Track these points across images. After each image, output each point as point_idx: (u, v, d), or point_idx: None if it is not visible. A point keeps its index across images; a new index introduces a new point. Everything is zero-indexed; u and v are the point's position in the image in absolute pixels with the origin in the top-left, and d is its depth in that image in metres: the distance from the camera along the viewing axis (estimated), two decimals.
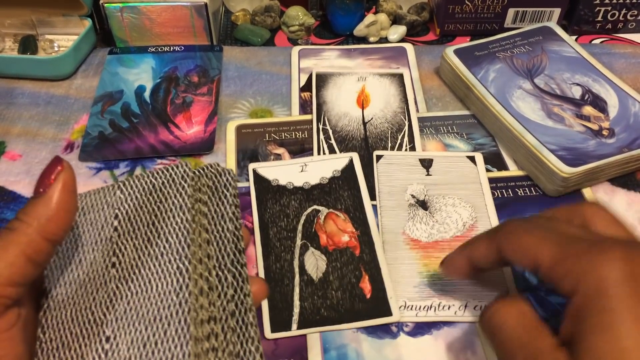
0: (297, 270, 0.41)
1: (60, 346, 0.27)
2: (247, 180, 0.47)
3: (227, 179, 0.32)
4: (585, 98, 0.50)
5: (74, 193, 0.27)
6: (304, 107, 0.54)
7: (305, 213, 0.44)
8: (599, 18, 0.61)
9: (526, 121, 0.48)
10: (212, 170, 0.33)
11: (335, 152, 0.49)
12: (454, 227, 0.43)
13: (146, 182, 0.31)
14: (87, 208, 0.31)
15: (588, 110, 0.49)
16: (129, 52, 0.59)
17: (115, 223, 0.30)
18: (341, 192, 0.45)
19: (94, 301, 0.28)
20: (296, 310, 0.39)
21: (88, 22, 0.58)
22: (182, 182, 0.31)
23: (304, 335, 0.38)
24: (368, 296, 0.39)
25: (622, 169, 0.46)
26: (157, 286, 0.28)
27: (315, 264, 0.41)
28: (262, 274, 0.41)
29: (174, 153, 0.49)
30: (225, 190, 0.32)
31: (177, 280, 0.27)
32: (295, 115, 0.53)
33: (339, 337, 0.38)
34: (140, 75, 0.56)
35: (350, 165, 0.47)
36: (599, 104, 0.50)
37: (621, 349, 0.25)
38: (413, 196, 0.45)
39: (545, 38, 0.56)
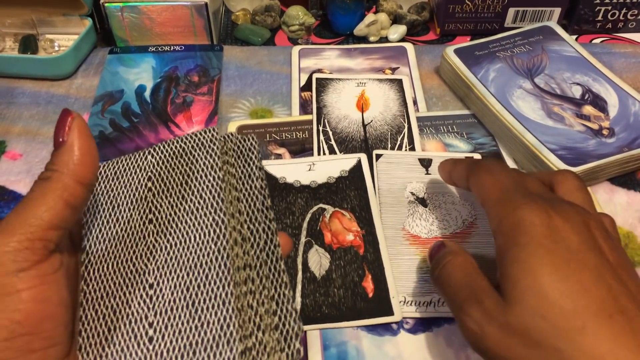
0: (300, 267, 0.41)
1: (104, 295, 0.29)
2: None
3: (251, 143, 0.35)
4: (586, 97, 0.50)
5: (90, 137, 0.29)
6: (305, 106, 0.54)
7: (311, 211, 0.44)
8: (599, 17, 0.61)
9: (526, 121, 0.48)
10: (237, 136, 0.35)
11: (335, 153, 0.49)
12: (453, 224, 0.43)
13: (176, 147, 0.34)
14: (120, 172, 0.33)
15: (588, 109, 0.49)
16: (130, 51, 0.59)
17: (149, 184, 0.32)
18: (348, 191, 0.45)
19: (134, 254, 0.30)
20: (297, 306, 0.39)
21: (88, 22, 0.58)
22: (211, 145, 0.33)
23: (304, 332, 0.38)
24: (370, 295, 0.39)
25: (622, 168, 0.46)
26: (195, 237, 0.29)
27: (318, 261, 0.41)
28: None
29: None
30: (250, 153, 0.34)
31: (215, 231, 0.29)
32: (296, 115, 0.53)
33: (339, 334, 0.38)
34: (141, 74, 0.56)
35: (358, 166, 0.47)
36: (599, 103, 0.50)
37: (537, 282, 0.28)
38: (412, 194, 0.45)
39: (545, 37, 0.56)
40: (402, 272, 0.41)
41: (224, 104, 0.54)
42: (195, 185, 0.31)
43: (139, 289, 0.29)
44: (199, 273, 0.28)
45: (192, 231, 0.30)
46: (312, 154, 0.49)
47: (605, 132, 0.47)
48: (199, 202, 0.31)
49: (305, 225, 0.43)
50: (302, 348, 0.29)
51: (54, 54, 0.57)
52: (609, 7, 0.60)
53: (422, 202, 0.44)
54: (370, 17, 0.61)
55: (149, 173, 0.33)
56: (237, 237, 0.30)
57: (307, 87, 0.56)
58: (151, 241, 0.30)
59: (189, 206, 0.31)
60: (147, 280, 0.29)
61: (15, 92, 0.55)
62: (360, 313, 0.38)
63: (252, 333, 0.27)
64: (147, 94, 0.54)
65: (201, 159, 0.32)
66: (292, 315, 0.29)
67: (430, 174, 0.47)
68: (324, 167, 0.47)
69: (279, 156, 0.49)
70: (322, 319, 0.38)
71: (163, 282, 0.28)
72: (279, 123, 0.52)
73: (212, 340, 0.26)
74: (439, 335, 0.37)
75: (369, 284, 0.40)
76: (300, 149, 0.50)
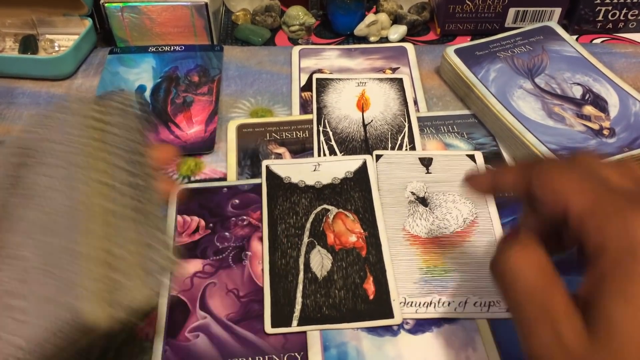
0: (302, 267, 0.41)
1: None
2: (252, 176, 0.47)
3: (121, 95, 0.36)
4: (586, 98, 0.50)
5: None
6: (305, 107, 0.54)
7: (315, 211, 0.44)
8: (600, 18, 0.61)
9: (527, 121, 0.48)
10: (108, 92, 0.36)
11: (335, 154, 0.49)
12: (454, 223, 0.43)
13: (40, 116, 0.35)
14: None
15: (589, 109, 0.49)
16: (130, 51, 0.59)
17: (16, 160, 0.33)
18: (352, 193, 0.45)
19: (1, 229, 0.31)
20: (298, 307, 0.39)
21: (88, 22, 0.58)
22: (67, 104, 0.34)
23: (304, 333, 0.38)
24: (371, 297, 0.39)
25: None
26: (50, 195, 0.30)
27: (320, 262, 0.41)
28: (267, 269, 0.41)
29: None
30: (118, 104, 0.35)
31: (66, 185, 0.30)
32: (296, 114, 0.53)
33: (339, 335, 0.38)
34: (141, 75, 0.56)
35: (363, 167, 0.47)
36: (600, 103, 0.50)
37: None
38: (413, 193, 0.45)
39: (545, 38, 0.56)
40: (402, 272, 0.41)
41: (224, 104, 0.54)
42: (55, 148, 0.32)
43: (5, 262, 0.29)
44: (51, 229, 0.29)
45: (47, 190, 0.30)
46: (312, 154, 0.49)
47: (605, 132, 0.47)
48: (57, 163, 0.32)
49: (308, 225, 0.43)
50: (168, 281, 0.31)
51: (54, 54, 0.57)
52: (610, 7, 0.60)
53: (423, 201, 0.44)
54: (370, 17, 0.61)
55: (18, 149, 0.34)
56: (101, 187, 0.31)
57: (307, 87, 0.55)
58: (12, 211, 0.31)
59: (50, 169, 0.32)
60: (13, 252, 0.29)
61: (15, 92, 0.55)
62: (361, 315, 0.38)
63: (112, 278, 0.28)
64: (147, 94, 0.54)
65: (60, 120, 0.33)
66: (157, 250, 0.30)
67: (430, 172, 0.47)
68: (329, 168, 0.47)
69: (279, 155, 0.49)
70: (323, 319, 0.38)
71: (27, 248, 0.29)
72: (279, 122, 0.52)
73: (62, 289, 0.27)
74: (439, 336, 0.37)
75: (370, 286, 0.40)
76: (301, 148, 0.50)
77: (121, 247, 0.30)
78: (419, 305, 0.39)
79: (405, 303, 0.39)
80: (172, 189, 0.35)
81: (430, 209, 0.44)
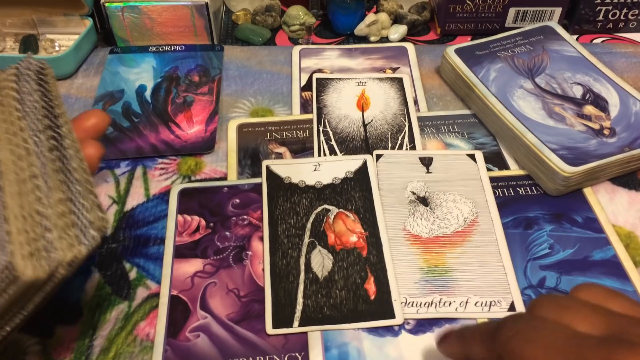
0: (302, 267, 0.41)
1: None
2: (252, 176, 0.47)
3: (29, 63, 0.37)
4: (586, 97, 0.50)
5: None
6: (305, 106, 0.54)
7: (315, 212, 0.44)
8: (600, 17, 0.61)
9: (527, 120, 0.48)
10: (17, 63, 0.37)
11: (335, 153, 0.49)
12: (454, 222, 0.43)
13: None
14: None
15: (589, 109, 0.49)
16: (130, 51, 0.59)
17: None
18: (353, 192, 0.45)
19: None
20: (299, 307, 0.39)
21: (89, 22, 0.58)
22: None
23: (305, 333, 0.38)
24: (372, 297, 0.39)
25: (623, 168, 0.46)
26: None
27: (321, 262, 0.41)
28: (267, 270, 0.41)
29: (175, 152, 0.49)
30: (28, 71, 0.36)
31: None
32: (296, 114, 0.53)
33: (340, 335, 0.38)
34: (141, 74, 0.56)
35: (363, 167, 0.47)
36: (600, 103, 0.50)
37: None
38: (413, 193, 0.45)
39: (546, 37, 0.56)
40: (403, 272, 0.41)
41: (225, 104, 0.54)
42: None
43: None
44: None
45: None
46: (312, 154, 0.49)
47: (606, 131, 0.47)
48: None
49: (309, 225, 0.43)
50: (98, 234, 0.31)
51: (55, 53, 0.57)
52: (610, 7, 0.60)
53: (423, 201, 0.45)
54: (370, 17, 0.61)
55: None
56: (20, 152, 0.32)
57: (307, 87, 0.55)
58: None
59: None
60: None
61: None
62: (362, 315, 0.38)
63: (41, 236, 0.29)
64: (147, 93, 0.54)
65: None
66: (85, 207, 0.32)
67: (430, 172, 0.47)
68: (330, 168, 0.47)
69: (279, 155, 0.49)
70: (324, 320, 0.38)
71: None
72: (279, 122, 0.52)
73: None
74: None
75: (371, 287, 0.40)
76: (301, 148, 0.50)
77: (48, 207, 0.31)
78: (420, 305, 0.39)
79: (406, 303, 0.39)
80: (98, 151, 0.36)
81: (430, 209, 0.44)
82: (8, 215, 0.29)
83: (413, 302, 0.39)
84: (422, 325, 0.38)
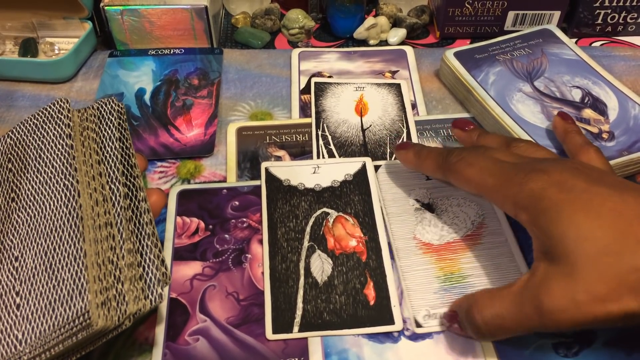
0: (302, 272, 0.41)
1: None
2: (251, 179, 0.47)
3: (112, 106, 0.38)
4: (585, 101, 0.50)
5: None
6: (305, 109, 0.54)
7: (315, 215, 0.44)
8: (599, 21, 0.61)
9: (526, 124, 0.48)
10: (99, 102, 0.38)
11: (334, 158, 0.49)
12: (463, 226, 0.43)
13: (29, 124, 0.37)
14: None
15: (588, 113, 0.49)
16: (130, 54, 0.59)
17: (10, 165, 0.35)
18: (352, 196, 0.45)
19: (1, 232, 0.33)
20: (299, 312, 0.39)
21: (88, 25, 0.58)
22: (59, 115, 0.36)
23: (305, 338, 0.38)
24: (372, 303, 0.39)
25: (622, 172, 0.46)
26: (49, 205, 0.32)
27: (321, 267, 0.41)
28: (267, 274, 0.40)
29: (174, 156, 0.49)
30: (109, 115, 0.37)
31: (66, 195, 0.32)
32: (296, 117, 0.53)
33: (340, 341, 0.37)
34: (141, 78, 0.56)
35: (362, 170, 0.47)
36: (599, 106, 0.50)
37: (581, 230, 0.30)
38: (418, 200, 0.45)
39: (545, 41, 0.56)
40: (420, 283, 0.40)
41: (224, 107, 0.54)
42: (47, 157, 0.34)
43: (7, 263, 0.32)
44: (54, 237, 0.31)
45: (47, 199, 0.32)
46: (311, 157, 0.49)
47: (605, 135, 0.47)
48: (51, 172, 0.33)
49: (308, 229, 0.43)
50: (163, 292, 0.32)
51: (54, 57, 0.57)
52: (609, 11, 0.60)
53: (429, 207, 0.44)
54: (370, 20, 0.61)
55: (9, 155, 0.36)
56: (98, 197, 0.33)
57: (307, 90, 0.56)
58: (15, 218, 0.33)
59: (43, 177, 0.33)
60: (13, 255, 0.31)
61: (15, 95, 0.55)
62: (361, 321, 0.38)
63: (113, 285, 0.30)
64: (147, 97, 0.54)
65: (51, 130, 0.35)
66: (155, 264, 0.32)
67: (431, 178, 0.47)
68: (329, 171, 0.47)
69: (278, 158, 0.49)
70: (324, 325, 0.38)
71: (26, 252, 0.31)
72: (279, 125, 0.52)
73: (67, 295, 0.29)
74: (440, 342, 0.37)
75: (370, 292, 0.40)
76: (300, 151, 0.50)
77: (120, 257, 0.31)
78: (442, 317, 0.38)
79: (429, 316, 0.38)
80: (162, 200, 0.38)
81: (437, 215, 0.44)
82: (87, 263, 0.29)
83: (436, 314, 0.38)
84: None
